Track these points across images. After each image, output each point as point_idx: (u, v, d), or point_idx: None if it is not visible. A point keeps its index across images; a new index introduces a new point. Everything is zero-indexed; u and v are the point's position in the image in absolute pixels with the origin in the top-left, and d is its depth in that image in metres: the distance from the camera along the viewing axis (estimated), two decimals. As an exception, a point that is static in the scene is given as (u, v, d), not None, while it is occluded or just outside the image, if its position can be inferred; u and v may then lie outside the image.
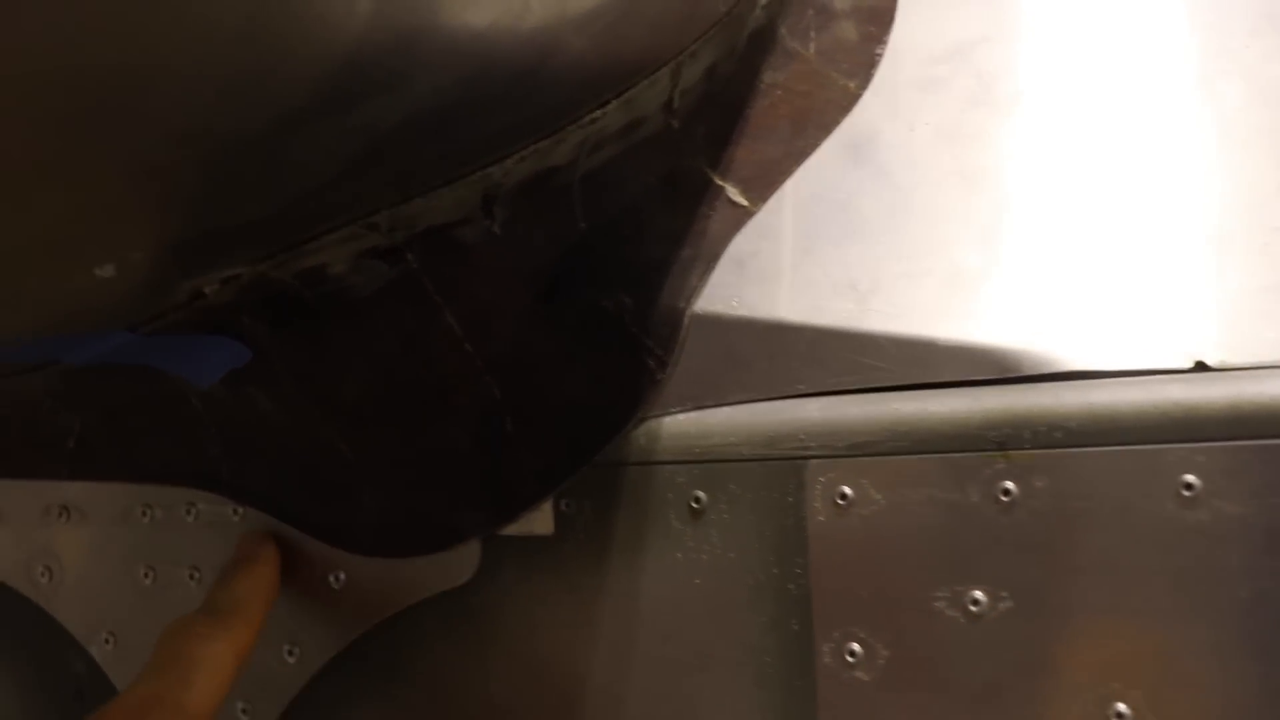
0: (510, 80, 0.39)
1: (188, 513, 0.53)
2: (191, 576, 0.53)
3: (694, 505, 0.45)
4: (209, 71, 0.29)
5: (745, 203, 0.49)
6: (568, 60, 0.41)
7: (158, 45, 0.27)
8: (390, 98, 0.35)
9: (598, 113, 0.46)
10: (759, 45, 0.51)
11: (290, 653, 0.51)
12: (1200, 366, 0.41)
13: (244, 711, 0.51)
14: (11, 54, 0.24)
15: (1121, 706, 0.39)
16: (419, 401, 0.47)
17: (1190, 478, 0.39)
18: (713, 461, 0.45)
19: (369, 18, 0.30)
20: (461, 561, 0.48)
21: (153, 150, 0.31)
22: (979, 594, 0.41)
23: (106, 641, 0.55)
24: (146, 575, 0.54)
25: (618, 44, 0.43)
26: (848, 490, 0.43)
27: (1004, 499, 0.41)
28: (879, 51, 0.52)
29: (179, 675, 0.44)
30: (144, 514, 0.54)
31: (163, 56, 0.27)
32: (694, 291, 0.47)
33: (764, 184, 0.49)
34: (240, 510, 0.52)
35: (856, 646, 0.43)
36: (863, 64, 0.51)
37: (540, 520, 0.47)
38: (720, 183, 0.49)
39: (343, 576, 0.50)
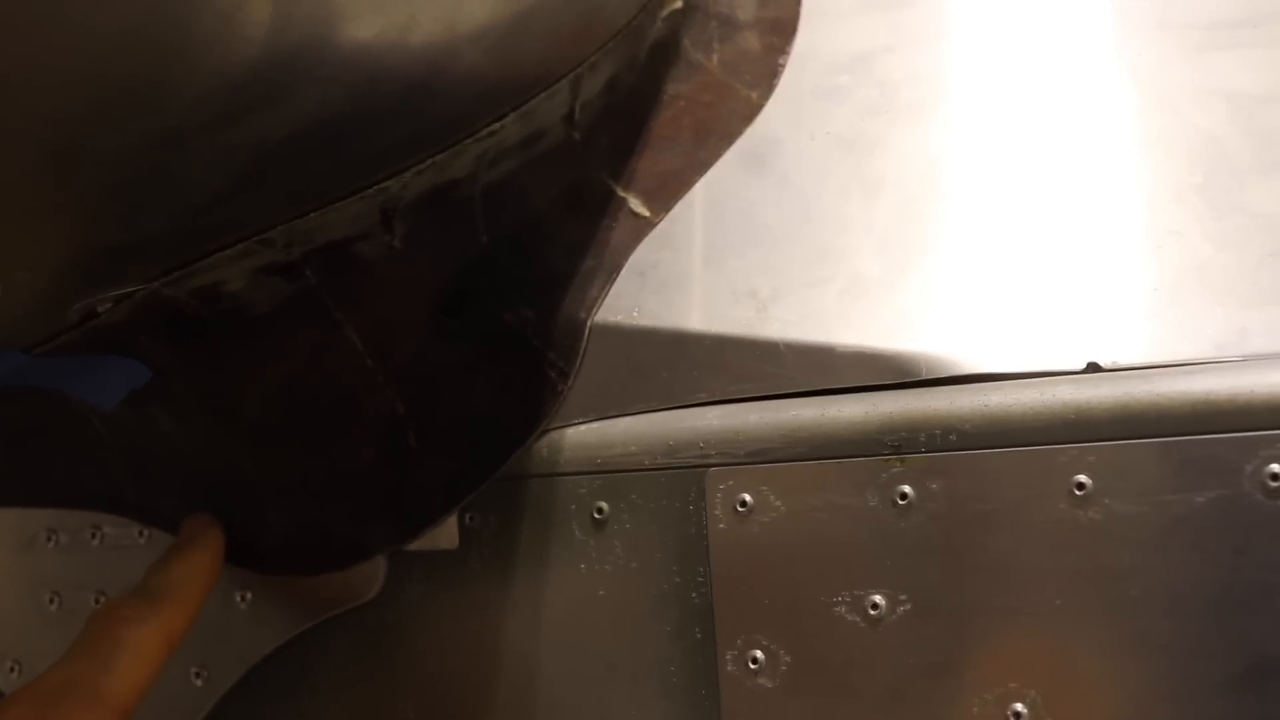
0: (401, 93, 0.39)
1: (93, 536, 0.52)
2: (98, 601, 0.52)
3: (596, 516, 0.45)
4: (82, 84, 0.29)
5: (647, 214, 0.49)
6: (460, 73, 0.41)
7: (26, 55, 0.27)
8: (276, 111, 0.35)
9: (495, 125, 0.45)
10: (661, 57, 0.51)
11: (198, 675, 0.50)
12: (1093, 367, 0.41)
13: (152, 736, 0.51)
14: None
15: (1019, 706, 0.39)
16: (322, 418, 0.47)
17: (1082, 478, 0.39)
18: (614, 472, 0.45)
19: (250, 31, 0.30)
20: (367, 578, 0.48)
21: (26, 165, 0.31)
22: (878, 598, 0.41)
23: (12, 670, 0.54)
24: (52, 601, 0.53)
25: (512, 57, 0.43)
26: (747, 497, 0.43)
27: (901, 503, 0.41)
28: (782, 62, 0.52)
29: (99, 659, 0.40)
30: (48, 539, 0.53)
31: (31, 67, 0.27)
32: (595, 302, 0.47)
33: (666, 195, 0.49)
34: (146, 532, 0.52)
35: (759, 654, 0.42)
36: (765, 74, 0.52)
37: (445, 535, 0.47)
38: (622, 194, 0.49)
39: (249, 596, 0.50)
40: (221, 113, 0.33)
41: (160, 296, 0.42)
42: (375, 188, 0.44)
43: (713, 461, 0.43)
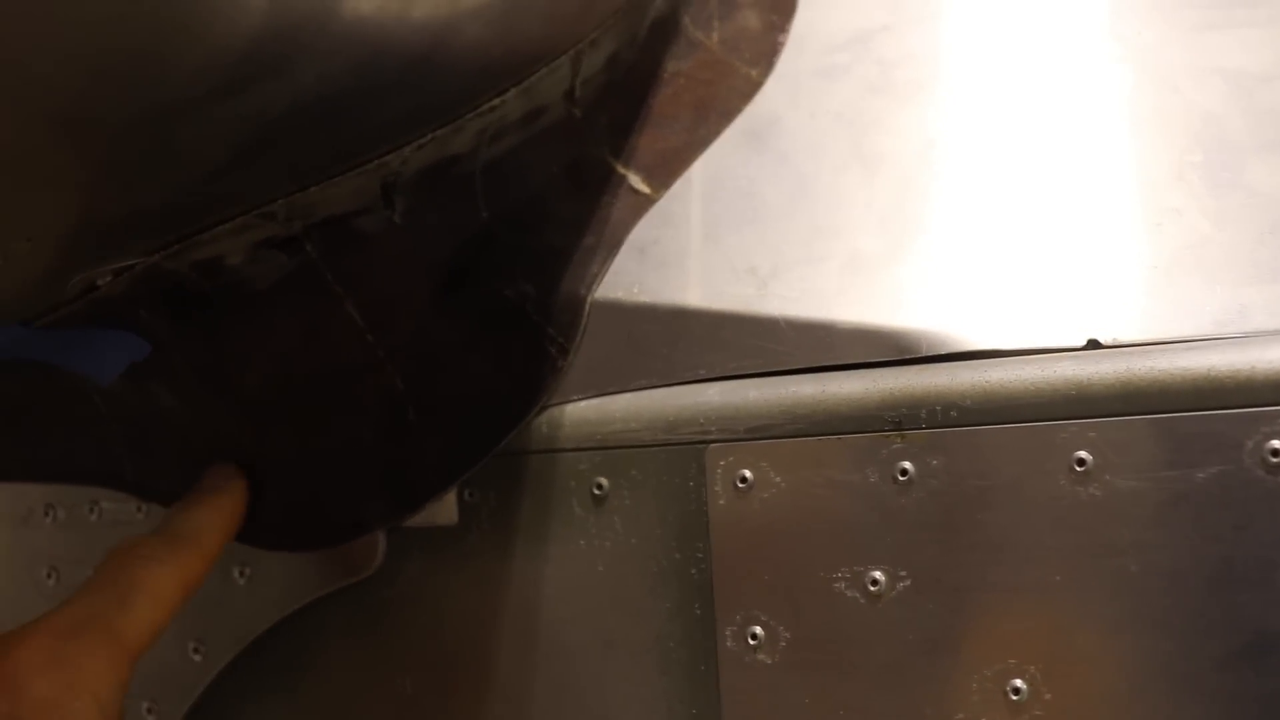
0: (402, 67, 0.39)
1: (91, 512, 0.52)
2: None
3: (596, 492, 0.45)
4: (82, 53, 0.29)
5: (647, 190, 0.49)
6: (461, 48, 0.41)
7: (26, 23, 0.26)
8: (276, 84, 0.35)
9: (496, 101, 0.45)
10: (661, 34, 0.51)
11: (196, 650, 0.50)
12: (1093, 344, 0.41)
13: (149, 711, 0.51)
14: None
15: (1018, 682, 0.39)
16: (321, 393, 0.46)
17: (1082, 454, 0.39)
18: (614, 448, 0.45)
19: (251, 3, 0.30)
20: (366, 554, 0.47)
21: (25, 135, 0.31)
22: (878, 574, 0.41)
23: (10, 645, 0.54)
24: (50, 576, 0.53)
25: (514, 31, 0.43)
26: (748, 473, 0.43)
27: (901, 479, 0.41)
28: (781, 40, 0.52)
29: (116, 597, 0.40)
30: (47, 514, 0.53)
31: (31, 35, 0.27)
32: (595, 279, 0.47)
33: (666, 172, 0.49)
34: (144, 508, 0.52)
35: (758, 629, 0.43)
36: (765, 52, 0.51)
37: (444, 511, 0.47)
38: (623, 171, 0.49)
39: (248, 571, 0.50)
40: (221, 85, 0.33)
41: (160, 270, 0.42)
42: (376, 162, 0.44)
43: (713, 438, 0.43)
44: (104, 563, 0.41)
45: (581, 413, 0.45)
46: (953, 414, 0.41)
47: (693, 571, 0.44)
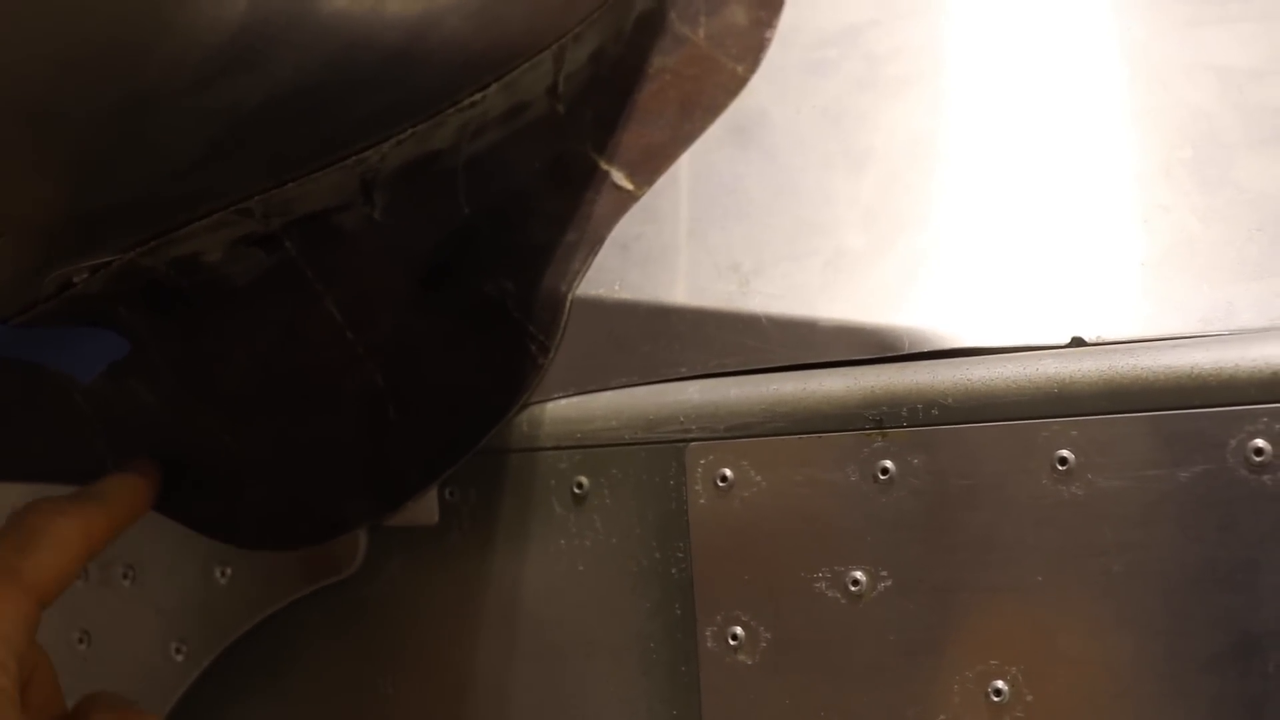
0: (379, 61, 0.38)
1: (73, 511, 0.52)
2: (80, 579, 0.52)
3: (576, 491, 0.45)
4: (52, 44, 0.28)
5: (631, 187, 0.48)
6: (441, 41, 0.40)
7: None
8: (251, 78, 0.34)
9: (477, 96, 0.45)
10: (647, 29, 0.51)
11: (178, 650, 0.50)
12: (1077, 342, 0.41)
13: (131, 711, 0.50)
14: None
15: (1000, 683, 0.39)
16: (301, 391, 0.46)
17: (1065, 452, 0.39)
18: (595, 446, 0.44)
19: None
20: (346, 553, 0.47)
21: (-4, 128, 0.30)
22: (859, 574, 0.41)
23: (-8, 643, 0.53)
24: (32, 575, 0.53)
25: (494, 25, 0.43)
26: (728, 472, 0.42)
27: (882, 477, 0.41)
28: (768, 35, 0.51)
29: (16, 542, 0.40)
30: (29, 513, 0.53)
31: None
32: (577, 275, 0.47)
33: (650, 168, 0.49)
34: (126, 507, 0.51)
35: (739, 630, 0.42)
36: (752, 48, 0.51)
37: (424, 510, 0.46)
38: (606, 167, 0.49)
39: (229, 571, 0.50)
40: (195, 77, 0.33)
41: (137, 266, 0.42)
42: (354, 158, 0.43)
43: (693, 436, 0.43)
44: (8, 517, 0.42)
45: (562, 411, 0.45)
46: (934, 412, 0.40)
47: (673, 571, 0.43)
